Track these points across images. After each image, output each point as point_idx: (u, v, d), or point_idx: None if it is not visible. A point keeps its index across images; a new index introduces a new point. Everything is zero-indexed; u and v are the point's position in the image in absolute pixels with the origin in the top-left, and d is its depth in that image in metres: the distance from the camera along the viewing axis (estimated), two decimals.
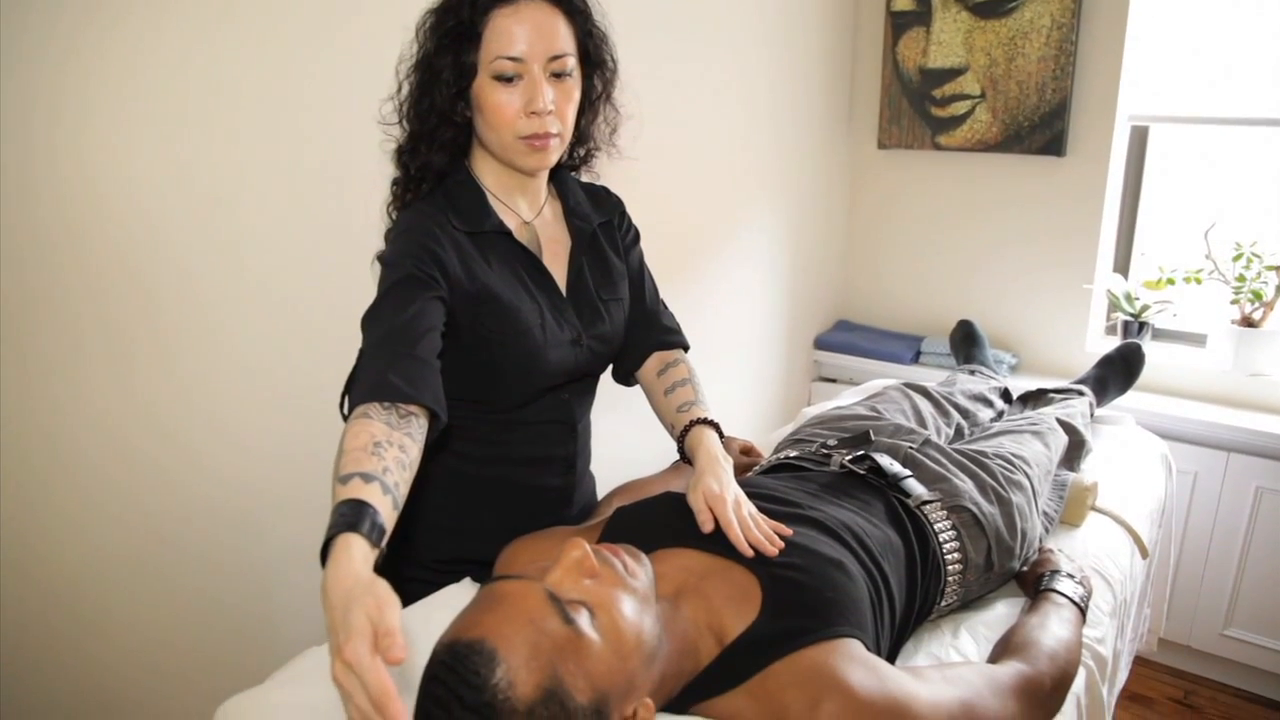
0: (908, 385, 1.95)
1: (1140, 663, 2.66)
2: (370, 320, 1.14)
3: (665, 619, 1.00)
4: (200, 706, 1.45)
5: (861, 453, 1.47)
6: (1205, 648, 2.61)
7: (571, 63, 1.20)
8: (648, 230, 1.52)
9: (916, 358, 3.03)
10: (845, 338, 3.18)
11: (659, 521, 1.20)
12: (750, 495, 1.26)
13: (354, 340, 1.17)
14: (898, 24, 2.93)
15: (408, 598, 1.27)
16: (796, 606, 1.05)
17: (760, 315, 2.91)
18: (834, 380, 3.19)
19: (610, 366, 1.47)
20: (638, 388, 1.51)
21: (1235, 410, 2.57)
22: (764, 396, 2.99)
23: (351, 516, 0.89)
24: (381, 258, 1.22)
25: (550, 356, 1.27)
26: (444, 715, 0.82)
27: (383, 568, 1.40)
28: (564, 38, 1.18)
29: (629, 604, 0.95)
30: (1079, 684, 1.25)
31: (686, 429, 1.34)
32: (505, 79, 1.16)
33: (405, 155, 1.26)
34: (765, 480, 1.40)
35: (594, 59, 1.25)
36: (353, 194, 1.57)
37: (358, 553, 0.86)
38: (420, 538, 1.36)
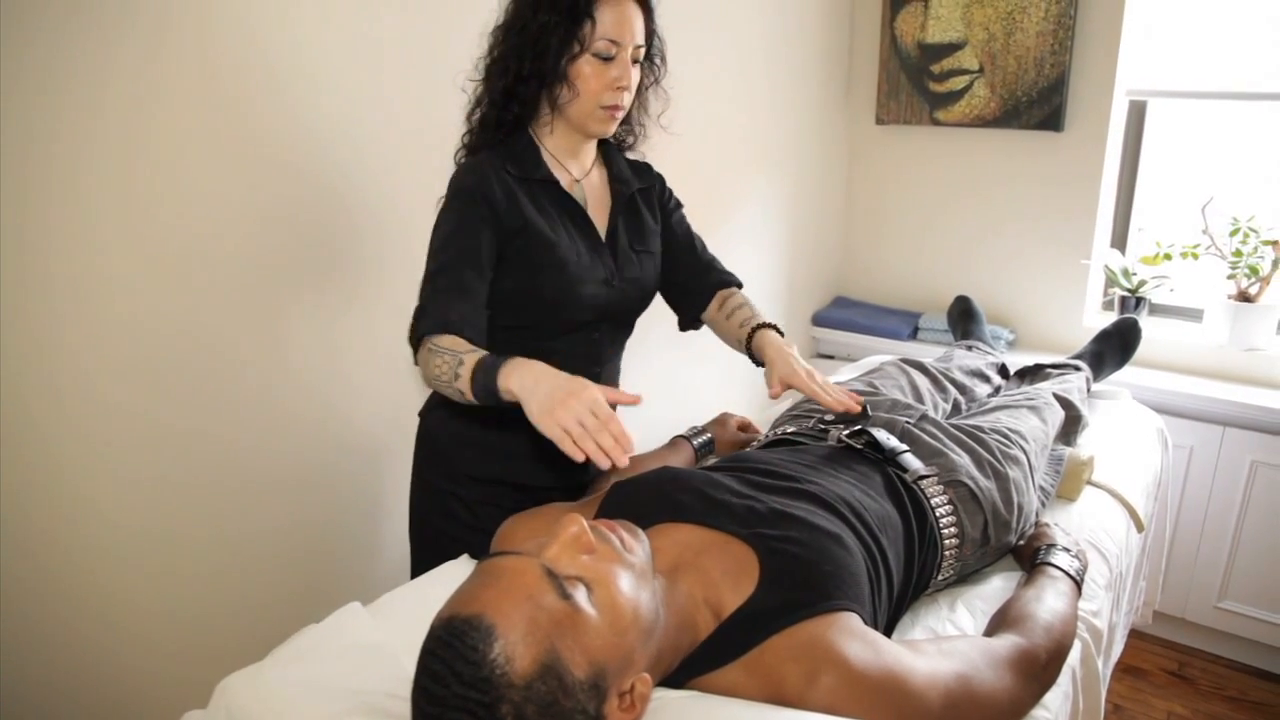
0: (905, 361, 1.95)
1: (1135, 635, 2.68)
2: (440, 258, 1.34)
3: (662, 594, 1.00)
4: (204, 681, 1.46)
5: (859, 428, 1.47)
6: (1199, 620, 2.63)
7: (643, 52, 1.41)
8: None
9: (914, 334, 3.03)
10: (843, 314, 3.18)
11: (656, 496, 1.20)
12: (748, 469, 1.27)
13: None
14: None
15: (448, 514, 1.51)
16: (794, 580, 1.05)
17: (758, 291, 2.88)
18: (832, 357, 3.18)
19: (677, 316, 1.69)
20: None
21: (1231, 385, 2.57)
22: (762, 372, 2.97)
23: (501, 356, 1.19)
24: (445, 196, 1.39)
25: (584, 291, 1.43)
26: (441, 690, 0.82)
27: (420, 480, 1.56)
28: (642, 31, 1.39)
29: (626, 579, 0.95)
30: (1074, 656, 1.26)
31: (750, 336, 1.56)
32: (604, 58, 1.35)
33: (499, 109, 1.42)
34: (763, 455, 1.40)
35: (650, 53, 1.45)
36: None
37: (539, 363, 1.17)
38: (456, 454, 1.51)
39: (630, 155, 1.61)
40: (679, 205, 1.66)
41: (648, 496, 1.21)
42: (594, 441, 1.07)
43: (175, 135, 1.39)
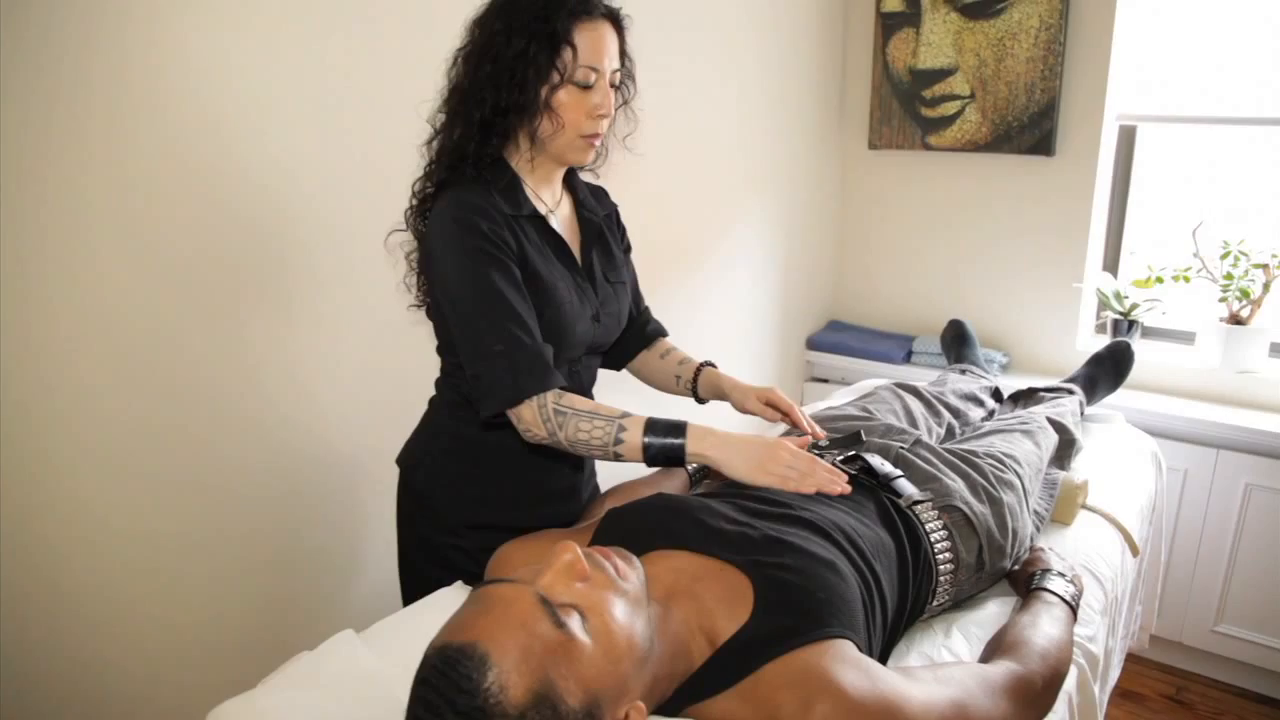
0: (899, 385, 1.96)
1: (1132, 660, 2.68)
2: (500, 307, 1.26)
3: (657, 621, 1.00)
4: (193, 684, 1.44)
5: (853, 453, 1.47)
6: (1197, 644, 2.63)
7: (619, 76, 1.36)
8: (640, 229, 1.53)
9: (908, 357, 3.04)
10: (837, 338, 3.19)
11: (651, 523, 1.20)
12: (742, 496, 1.27)
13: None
14: (888, 25, 2.94)
15: (446, 564, 1.44)
16: (788, 607, 1.05)
17: (752, 315, 2.91)
18: (826, 380, 3.19)
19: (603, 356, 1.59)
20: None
21: (1224, 407, 2.58)
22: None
23: (669, 420, 1.28)
24: (453, 238, 1.28)
25: (577, 330, 1.39)
26: None
27: (413, 536, 1.50)
28: (618, 54, 1.33)
29: (620, 607, 0.95)
30: (1071, 682, 1.26)
31: (696, 374, 1.62)
32: (585, 86, 1.29)
33: (473, 143, 1.32)
34: None
35: (623, 74, 1.38)
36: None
37: (717, 429, 1.30)
38: (454, 507, 1.45)
39: (586, 177, 1.54)
40: (630, 248, 1.62)
41: (643, 523, 1.21)
42: (813, 479, 1.29)
43: (154, 153, 1.38)
